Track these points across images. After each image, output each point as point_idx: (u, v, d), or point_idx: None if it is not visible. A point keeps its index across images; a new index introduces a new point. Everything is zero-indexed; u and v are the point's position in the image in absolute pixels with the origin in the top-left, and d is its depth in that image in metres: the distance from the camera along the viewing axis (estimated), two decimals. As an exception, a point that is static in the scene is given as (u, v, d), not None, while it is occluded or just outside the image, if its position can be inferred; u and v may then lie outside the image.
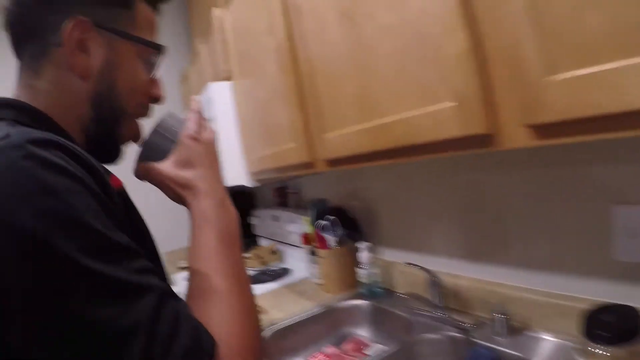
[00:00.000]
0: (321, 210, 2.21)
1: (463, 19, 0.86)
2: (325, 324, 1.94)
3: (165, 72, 3.75)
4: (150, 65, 0.83)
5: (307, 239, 2.30)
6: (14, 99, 0.72)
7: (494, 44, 0.83)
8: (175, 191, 0.79)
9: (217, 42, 2.31)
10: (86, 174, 0.57)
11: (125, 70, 0.78)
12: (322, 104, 1.39)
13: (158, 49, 0.83)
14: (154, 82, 0.84)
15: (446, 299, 1.61)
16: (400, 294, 1.90)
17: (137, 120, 0.84)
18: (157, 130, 0.82)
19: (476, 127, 0.88)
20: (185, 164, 0.78)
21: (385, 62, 1.08)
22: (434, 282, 1.61)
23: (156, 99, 0.85)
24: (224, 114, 2.23)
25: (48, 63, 0.73)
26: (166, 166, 0.79)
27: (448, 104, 0.93)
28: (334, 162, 1.43)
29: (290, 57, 1.53)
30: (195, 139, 0.80)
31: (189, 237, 0.75)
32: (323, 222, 2.08)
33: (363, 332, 1.91)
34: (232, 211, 0.79)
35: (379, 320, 1.87)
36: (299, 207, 2.79)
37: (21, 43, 0.76)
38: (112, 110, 0.77)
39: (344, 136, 1.30)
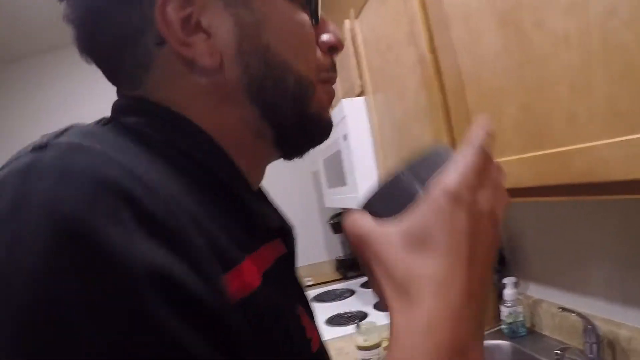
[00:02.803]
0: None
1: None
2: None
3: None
4: (307, 5, 0.54)
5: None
6: (145, 100, 0.52)
7: None
8: (379, 284, 0.42)
9: (350, 55, 2.21)
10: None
11: (277, 26, 0.51)
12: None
13: None
14: (320, 26, 0.57)
15: (601, 349, 1.37)
16: (547, 337, 1.67)
17: (329, 82, 0.58)
18: (403, 174, 0.45)
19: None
20: (421, 241, 0.40)
21: (560, 79, 0.87)
22: (590, 330, 1.37)
23: (333, 47, 0.57)
24: (358, 132, 2.11)
25: (156, 72, 0.51)
26: (384, 234, 0.42)
27: None
28: (487, 194, 1.22)
29: (434, 70, 1.36)
30: (457, 199, 0.40)
31: None
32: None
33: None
34: None
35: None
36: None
37: (107, 63, 0.54)
38: (284, 91, 0.52)
39: (503, 166, 1.08)
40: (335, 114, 2.28)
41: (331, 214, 3.56)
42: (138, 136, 0.46)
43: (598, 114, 0.80)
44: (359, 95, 2.17)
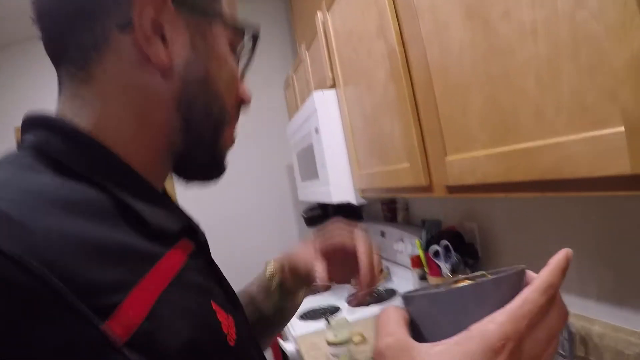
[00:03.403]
0: (434, 233, 2.00)
1: (639, 12, 0.62)
2: None
3: (269, 78, 3.79)
4: (239, 57, 0.65)
5: (416, 263, 2.09)
6: (45, 115, 0.54)
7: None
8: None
9: (321, 48, 2.18)
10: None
11: (217, 61, 0.60)
12: (441, 119, 1.18)
13: (255, 33, 0.65)
14: (241, 79, 0.67)
15: (574, 345, 1.37)
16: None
17: (232, 125, 0.66)
18: (463, 291, 0.42)
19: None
20: None
21: (526, 72, 0.85)
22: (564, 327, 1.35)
23: (244, 101, 0.68)
24: (329, 125, 2.10)
25: (107, 56, 0.54)
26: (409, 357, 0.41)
27: (614, 129, 0.69)
28: (456, 189, 1.22)
29: (402, 63, 1.35)
30: (496, 351, 0.38)
31: None
32: (435, 248, 1.86)
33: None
34: None
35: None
36: (409, 223, 2.59)
37: (60, 36, 0.55)
38: (209, 115, 0.60)
39: (470, 161, 1.08)
40: (306, 106, 2.26)
41: (305, 207, 3.54)
42: (32, 167, 0.48)
43: (565, 108, 0.78)
44: (331, 87, 2.15)
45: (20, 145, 0.52)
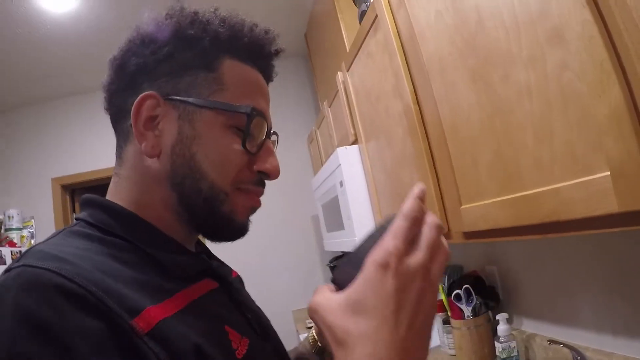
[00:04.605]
0: (455, 278, 2.08)
1: (613, 71, 0.73)
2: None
3: (293, 133, 3.93)
4: (249, 134, 0.70)
5: (439, 307, 2.15)
6: (91, 196, 0.72)
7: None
8: (328, 343, 0.52)
9: (342, 105, 2.31)
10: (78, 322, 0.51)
11: (206, 143, 0.68)
12: (454, 171, 1.30)
13: (248, 112, 0.69)
14: (259, 154, 0.72)
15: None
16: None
17: (251, 193, 0.74)
18: (358, 249, 0.53)
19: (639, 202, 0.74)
20: (355, 306, 0.49)
21: (525, 127, 0.97)
22: (581, 361, 1.41)
23: (264, 173, 0.73)
24: (353, 178, 2.21)
25: (129, 145, 0.72)
26: (329, 304, 0.51)
27: (601, 174, 0.79)
28: (472, 235, 1.31)
29: (418, 120, 1.47)
30: (384, 266, 0.48)
31: None
32: (457, 291, 1.94)
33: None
34: None
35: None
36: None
37: (113, 124, 0.75)
38: (199, 190, 0.68)
39: (482, 208, 1.19)
40: (331, 161, 2.38)
41: (331, 257, 3.62)
42: (82, 233, 0.65)
43: (559, 158, 0.89)
44: (353, 143, 2.27)
45: (78, 217, 0.70)
